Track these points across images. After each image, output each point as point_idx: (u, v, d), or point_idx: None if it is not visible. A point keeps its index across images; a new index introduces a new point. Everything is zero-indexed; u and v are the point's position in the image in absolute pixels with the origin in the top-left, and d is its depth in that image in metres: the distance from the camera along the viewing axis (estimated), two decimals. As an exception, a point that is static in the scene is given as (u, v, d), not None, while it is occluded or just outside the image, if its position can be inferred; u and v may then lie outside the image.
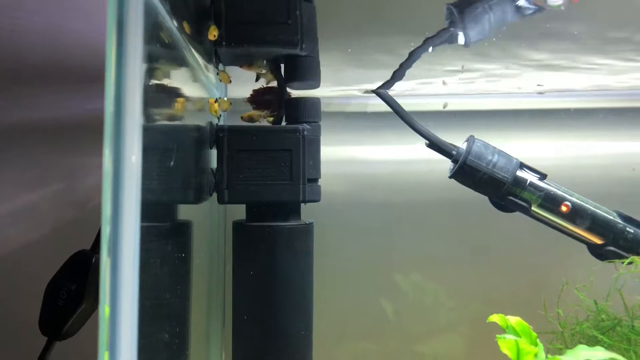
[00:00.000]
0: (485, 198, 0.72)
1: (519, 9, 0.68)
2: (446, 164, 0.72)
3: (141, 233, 0.55)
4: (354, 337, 0.90)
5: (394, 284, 0.91)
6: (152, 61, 0.61)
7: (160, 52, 0.61)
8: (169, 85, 0.65)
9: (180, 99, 0.65)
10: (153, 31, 0.44)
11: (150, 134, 0.60)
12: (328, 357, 0.88)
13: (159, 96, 0.64)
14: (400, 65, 0.69)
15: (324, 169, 0.68)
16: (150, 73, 0.63)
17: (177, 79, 0.65)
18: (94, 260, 0.66)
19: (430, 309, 0.92)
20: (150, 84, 0.62)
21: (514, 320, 0.50)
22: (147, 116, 0.62)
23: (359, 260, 0.90)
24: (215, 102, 0.68)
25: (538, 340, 0.51)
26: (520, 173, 0.68)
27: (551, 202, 0.68)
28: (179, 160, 0.59)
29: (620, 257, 0.66)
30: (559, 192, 0.68)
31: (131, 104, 0.32)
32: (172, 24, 0.50)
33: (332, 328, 0.88)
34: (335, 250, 0.89)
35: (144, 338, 0.57)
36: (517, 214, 0.72)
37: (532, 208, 0.68)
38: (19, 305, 0.84)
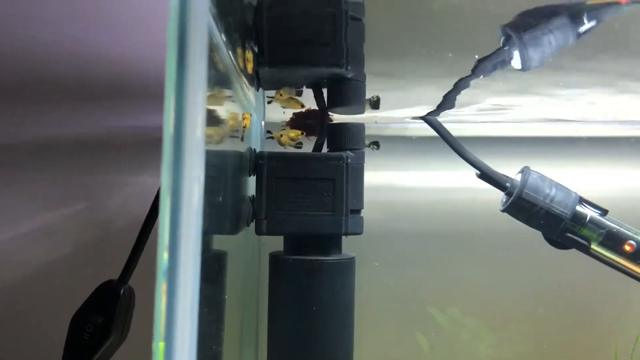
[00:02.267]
0: (532, 230, 0.68)
1: (578, 30, 0.63)
2: (490, 193, 0.68)
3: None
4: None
5: (431, 319, 0.87)
6: (210, 80, 0.58)
7: (214, 74, 0.58)
8: (217, 110, 0.62)
9: (224, 122, 0.62)
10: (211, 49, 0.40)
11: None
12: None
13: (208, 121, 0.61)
14: (450, 91, 0.65)
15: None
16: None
17: (226, 103, 0.62)
18: (122, 291, 0.62)
19: (469, 345, 0.87)
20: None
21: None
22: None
23: (396, 291, 0.86)
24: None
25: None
26: (579, 208, 0.63)
27: (613, 240, 0.63)
28: (220, 188, 0.55)
29: (692, 303, 0.60)
30: (622, 230, 0.63)
31: (192, 128, 0.28)
32: (222, 43, 0.46)
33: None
34: (371, 282, 0.84)
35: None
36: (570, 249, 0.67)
37: (592, 246, 0.63)
38: (39, 329, 0.81)
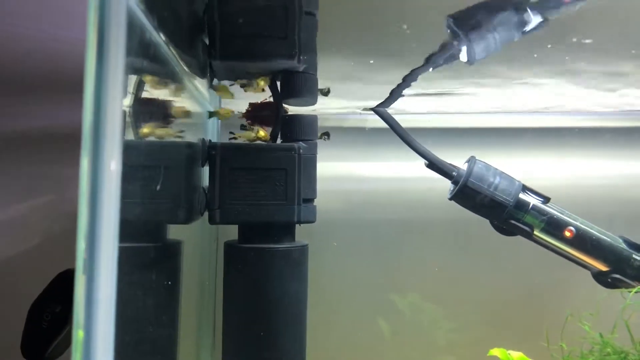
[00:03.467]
0: (486, 220, 0.70)
1: (523, 23, 0.66)
2: (446, 183, 0.70)
3: (126, 253, 0.53)
4: (351, 358, 0.87)
5: (391, 304, 0.89)
6: (137, 75, 0.59)
7: (147, 66, 0.59)
8: (157, 100, 0.63)
9: (170, 114, 0.63)
10: (137, 44, 0.42)
11: (136, 149, 0.58)
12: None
13: (147, 111, 0.62)
14: (399, 85, 0.67)
15: (319, 186, 0.66)
16: (137, 87, 0.61)
17: (166, 94, 0.63)
18: (79, 280, 0.63)
19: (428, 330, 0.89)
20: (137, 98, 0.60)
21: (516, 355, 0.48)
22: (135, 131, 0.60)
23: (355, 280, 0.88)
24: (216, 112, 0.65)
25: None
26: (522, 196, 0.66)
27: (555, 226, 0.66)
28: (168, 177, 0.57)
29: (627, 285, 0.64)
30: (563, 217, 0.66)
31: (111, 115, 0.30)
32: (159, 38, 0.48)
33: (327, 350, 0.85)
34: (330, 270, 0.86)
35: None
36: (519, 236, 0.70)
37: (535, 232, 0.66)
38: (3, 320, 0.82)
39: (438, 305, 0.90)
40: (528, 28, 0.65)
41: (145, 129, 0.62)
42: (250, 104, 0.69)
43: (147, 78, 0.62)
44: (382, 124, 0.76)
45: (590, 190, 0.86)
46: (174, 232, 0.63)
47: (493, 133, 0.87)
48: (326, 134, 0.66)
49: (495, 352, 0.49)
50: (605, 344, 0.56)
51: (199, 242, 0.74)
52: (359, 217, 0.89)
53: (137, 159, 0.58)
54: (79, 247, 0.29)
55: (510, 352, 0.48)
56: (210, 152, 0.62)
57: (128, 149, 0.57)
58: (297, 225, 0.66)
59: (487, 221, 0.71)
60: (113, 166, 0.30)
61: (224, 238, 0.66)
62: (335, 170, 0.90)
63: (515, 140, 0.86)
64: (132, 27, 0.36)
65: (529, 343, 0.59)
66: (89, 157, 0.29)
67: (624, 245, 0.66)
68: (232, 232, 0.66)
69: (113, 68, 0.29)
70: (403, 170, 0.90)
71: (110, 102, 0.29)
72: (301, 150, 0.63)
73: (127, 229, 0.58)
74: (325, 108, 0.82)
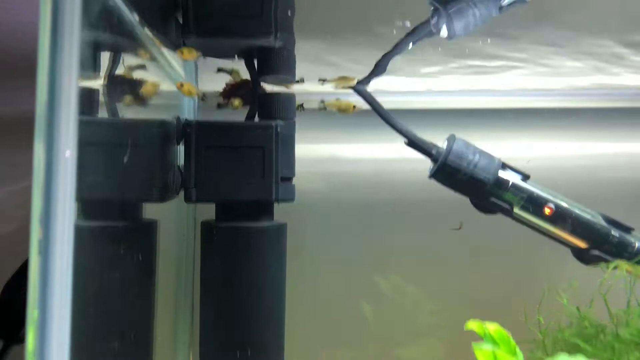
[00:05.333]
0: (467, 200, 0.70)
1: (501, 3, 0.65)
2: (428, 164, 0.69)
3: (94, 232, 0.52)
4: (331, 341, 0.87)
5: (373, 286, 0.88)
6: (112, 52, 0.58)
7: (120, 44, 0.58)
8: (132, 79, 0.62)
9: (145, 93, 0.62)
10: (101, 19, 0.41)
11: (107, 127, 0.57)
12: (306, 360, 0.85)
13: (121, 89, 0.61)
14: (379, 61, 0.66)
15: (301, 167, 0.65)
16: (112, 65, 0.60)
17: (141, 72, 0.62)
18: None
19: (410, 312, 0.89)
20: (111, 76, 0.59)
21: (492, 327, 0.48)
22: (109, 109, 0.59)
23: (337, 262, 0.87)
24: (181, 86, 0.63)
25: (518, 349, 0.48)
26: (502, 174, 0.66)
27: (534, 204, 0.65)
28: (140, 155, 0.56)
29: (605, 261, 0.64)
30: (543, 194, 0.66)
31: (66, 94, 0.29)
32: (132, 17, 0.47)
33: (308, 332, 0.85)
34: (313, 252, 0.86)
35: (88, 339, 0.53)
36: (500, 215, 0.69)
37: (515, 210, 0.66)
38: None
39: (420, 286, 0.89)
40: (505, 3, 0.64)
41: (118, 107, 0.61)
42: (227, 84, 0.68)
43: (122, 57, 0.61)
44: (363, 105, 0.76)
45: (570, 171, 0.86)
46: (150, 211, 0.62)
47: (471, 114, 0.87)
48: (300, 106, 0.65)
49: (471, 325, 0.49)
50: (582, 318, 0.56)
51: (176, 222, 0.73)
52: (341, 198, 0.88)
53: (107, 137, 0.57)
54: (33, 229, 0.29)
55: (487, 323, 0.48)
56: (185, 130, 0.61)
57: (98, 126, 0.56)
58: (276, 206, 0.65)
59: (469, 202, 0.70)
60: (68, 152, 0.29)
61: (202, 218, 0.65)
62: (317, 152, 0.89)
63: (494, 122, 0.86)
64: (99, 3, 0.35)
65: (510, 319, 0.59)
66: (43, 139, 0.29)
67: (603, 222, 0.66)
68: (209, 212, 0.66)
69: (68, 47, 0.28)
70: (385, 151, 0.90)
71: (65, 82, 0.28)
72: (279, 129, 0.62)
73: (96, 208, 0.57)
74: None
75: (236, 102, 0.65)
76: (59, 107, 0.29)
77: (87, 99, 0.59)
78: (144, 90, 0.62)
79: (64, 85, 0.29)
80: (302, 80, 0.64)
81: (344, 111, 0.70)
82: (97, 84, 0.60)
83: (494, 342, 0.48)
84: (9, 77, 0.84)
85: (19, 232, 0.85)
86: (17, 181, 0.86)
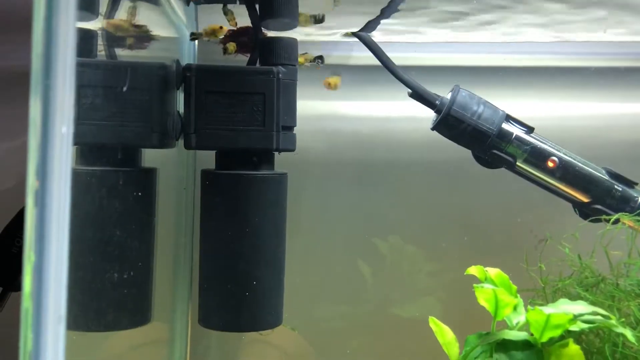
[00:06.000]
0: (469, 159, 0.69)
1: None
2: (430, 123, 0.68)
3: (91, 178, 0.52)
4: (329, 299, 0.87)
5: (372, 246, 0.88)
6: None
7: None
8: (130, 21, 0.61)
9: (144, 36, 0.61)
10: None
11: (103, 70, 0.56)
12: (303, 318, 0.85)
13: (119, 32, 0.59)
14: (384, 8, 0.65)
15: (301, 125, 0.64)
16: (111, 7, 0.58)
17: (141, 14, 0.61)
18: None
19: (408, 272, 0.89)
20: (110, 19, 0.57)
21: (493, 272, 0.47)
22: (106, 51, 0.58)
23: (336, 221, 0.87)
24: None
25: (518, 294, 0.48)
26: (506, 126, 0.65)
27: (537, 157, 0.65)
28: (138, 99, 0.55)
29: (607, 215, 0.63)
30: (546, 147, 0.65)
31: (63, 43, 0.28)
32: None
33: (307, 289, 0.85)
34: (312, 210, 0.85)
35: (89, 286, 0.53)
36: (501, 173, 0.69)
37: (517, 163, 0.65)
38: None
39: (419, 247, 0.89)
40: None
41: (116, 49, 0.60)
42: (228, 30, 0.67)
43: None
44: (366, 60, 0.74)
45: (574, 130, 0.85)
46: (150, 159, 0.62)
47: (476, 71, 0.85)
48: (320, 58, 0.63)
49: (472, 270, 0.49)
50: (583, 268, 0.55)
51: (175, 170, 0.73)
52: (342, 156, 0.87)
53: (106, 80, 0.56)
54: (30, 182, 0.28)
55: (488, 268, 0.47)
56: (185, 74, 0.60)
57: (96, 68, 0.55)
58: (279, 157, 0.64)
59: (471, 161, 0.69)
60: (64, 129, 0.28)
61: (202, 167, 0.65)
62: (318, 108, 0.88)
63: (497, 79, 0.85)
64: None
65: (510, 277, 0.58)
66: (39, 92, 0.28)
67: (606, 176, 0.65)
68: (210, 160, 0.65)
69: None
70: (388, 109, 0.88)
71: (62, 31, 0.27)
72: (280, 75, 0.61)
73: (93, 153, 0.56)
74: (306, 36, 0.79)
75: (231, 46, 0.64)
76: (55, 58, 0.28)
77: (86, 41, 0.58)
78: (145, 33, 0.61)
79: (60, 34, 0.28)
80: (321, 18, 0.63)
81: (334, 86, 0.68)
82: (96, 26, 0.59)
83: (494, 285, 0.48)
84: (4, 31, 0.82)
85: (18, 188, 0.84)
86: (14, 137, 0.86)
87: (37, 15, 0.28)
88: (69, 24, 0.29)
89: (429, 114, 0.70)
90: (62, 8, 0.28)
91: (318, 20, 0.67)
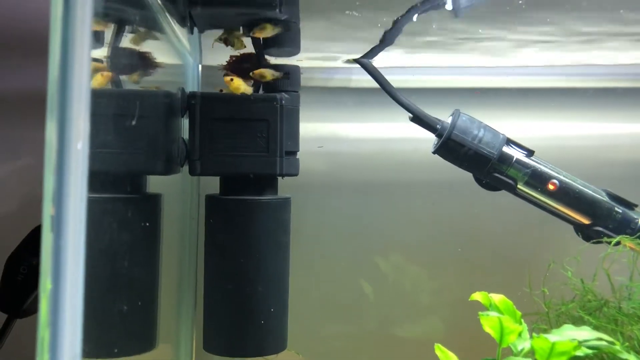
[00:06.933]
0: (470, 179, 0.70)
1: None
2: (430, 144, 0.69)
3: (100, 205, 0.52)
4: (331, 319, 0.87)
5: (374, 266, 0.88)
6: (116, 23, 0.58)
7: (128, 13, 0.58)
8: (136, 49, 0.62)
9: (150, 64, 0.62)
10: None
11: (111, 99, 0.57)
12: (306, 338, 0.85)
13: (125, 61, 0.60)
14: (384, 35, 0.66)
15: (304, 147, 0.65)
16: (116, 36, 0.59)
17: (146, 43, 0.62)
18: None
19: (411, 291, 0.89)
20: (115, 47, 0.58)
21: (497, 298, 0.48)
22: (113, 80, 0.58)
23: (338, 241, 0.87)
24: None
25: (522, 320, 0.49)
26: (506, 149, 0.65)
27: (538, 179, 0.65)
28: (144, 127, 0.55)
29: (608, 237, 0.64)
30: (547, 170, 0.66)
31: (78, 68, 0.29)
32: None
33: (310, 309, 0.85)
34: (315, 231, 0.86)
35: (97, 313, 0.53)
36: (502, 194, 0.69)
37: (518, 186, 0.66)
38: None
39: (422, 267, 0.89)
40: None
41: (123, 78, 0.61)
42: (231, 56, 0.68)
43: (127, 27, 0.60)
44: (367, 83, 0.75)
45: (573, 151, 0.86)
46: (155, 184, 0.62)
47: (473, 93, 0.86)
48: (287, 74, 0.63)
49: (476, 296, 0.49)
50: (586, 291, 0.56)
51: (180, 196, 0.73)
52: (343, 178, 0.88)
53: (112, 108, 0.57)
54: (46, 208, 0.28)
55: (492, 295, 0.48)
56: (190, 102, 0.60)
57: (103, 98, 0.56)
58: (280, 180, 0.65)
59: (472, 182, 0.70)
60: (80, 126, 0.29)
61: (206, 192, 0.65)
62: (320, 131, 0.89)
63: (496, 101, 0.86)
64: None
65: (512, 299, 0.59)
66: (55, 117, 0.28)
67: (606, 198, 0.66)
68: (214, 186, 0.65)
69: (80, 15, 0.28)
70: (388, 131, 0.89)
71: (77, 57, 0.28)
72: (283, 101, 0.62)
73: (99, 180, 0.57)
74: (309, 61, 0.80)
75: (242, 86, 0.64)
76: (71, 83, 0.29)
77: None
78: (151, 62, 0.62)
79: (76, 60, 0.29)
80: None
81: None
82: (102, 54, 0.60)
83: (499, 312, 0.48)
84: (9, 54, 0.83)
85: (21, 211, 0.85)
86: (18, 158, 0.86)
87: (54, 39, 0.29)
88: (84, 51, 0.29)
89: (429, 135, 0.71)
90: (77, 36, 0.29)
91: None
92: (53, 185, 0.29)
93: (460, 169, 0.69)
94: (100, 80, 0.55)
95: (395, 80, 0.72)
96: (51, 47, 0.29)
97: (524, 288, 0.59)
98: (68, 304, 0.29)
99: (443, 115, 0.69)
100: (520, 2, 0.65)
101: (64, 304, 0.29)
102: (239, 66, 0.67)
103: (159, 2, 0.56)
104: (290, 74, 0.63)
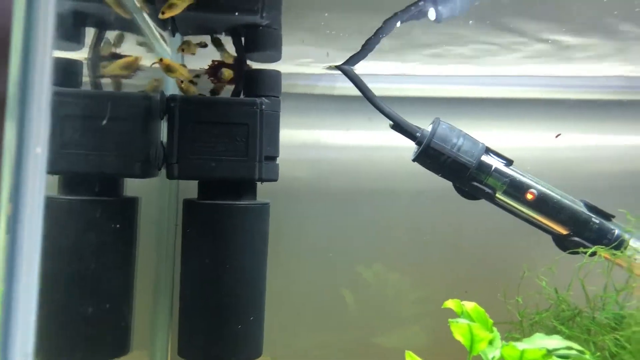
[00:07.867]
0: (452, 188, 0.70)
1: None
2: (412, 152, 0.69)
3: (69, 207, 0.52)
4: (311, 327, 0.87)
5: (356, 274, 0.88)
6: (88, 24, 0.57)
7: (99, 14, 0.57)
8: (116, 53, 0.62)
9: (129, 67, 0.62)
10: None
11: (88, 100, 0.56)
12: (286, 347, 0.84)
13: (105, 64, 0.60)
14: (366, 42, 0.66)
15: (286, 154, 0.65)
16: (96, 39, 0.59)
17: (126, 46, 0.62)
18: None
19: (393, 300, 0.89)
20: (95, 50, 0.58)
21: (469, 306, 0.48)
22: (92, 82, 0.58)
23: (320, 249, 0.87)
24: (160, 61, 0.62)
25: (495, 328, 0.49)
26: (485, 158, 0.66)
27: (517, 189, 0.66)
28: (122, 129, 0.55)
29: (585, 247, 0.64)
30: (525, 180, 0.66)
31: (40, 70, 0.29)
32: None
33: (290, 318, 0.84)
34: (296, 239, 0.85)
35: (62, 317, 0.53)
36: (483, 203, 0.70)
37: (497, 195, 0.66)
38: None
39: (403, 275, 0.89)
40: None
41: (102, 81, 0.61)
42: (213, 61, 0.68)
43: (107, 29, 0.60)
44: (350, 90, 0.76)
45: (553, 162, 0.87)
46: (132, 188, 0.62)
47: (459, 103, 0.87)
48: (197, 77, 0.63)
49: (449, 303, 0.49)
50: (560, 301, 0.56)
51: (158, 200, 0.73)
52: (326, 185, 0.88)
53: (89, 110, 0.56)
54: (2, 205, 0.28)
55: (464, 302, 0.48)
56: (169, 105, 0.60)
57: (80, 98, 0.56)
58: (259, 186, 0.65)
59: (453, 191, 0.70)
60: (41, 130, 0.29)
61: (186, 197, 0.65)
62: (303, 138, 0.89)
63: (480, 111, 0.86)
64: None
65: (493, 307, 0.59)
66: (14, 118, 0.28)
67: (584, 209, 0.66)
68: (193, 191, 0.65)
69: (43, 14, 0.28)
70: (371, 139, 0.89)
71: (39, 58, 0.28)
72: (263, 106, 0.62)
73: (76, 182, 0.56)
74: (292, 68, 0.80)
75: (226, 72, 0.64)
76: (31, 84, 0.29)
77: (70, 71, 0.59)
78: (130, 64, 0.61)
79: (38, 62, 0.29)
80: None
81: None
82: (81, 56, 0.60)
83: (471, 319, 0.48)
84: None
85: None
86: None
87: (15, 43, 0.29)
88: (46, 52, 0.29)
89: (412, 143, 0.71)
90: (40, 36, 0.29)
91: (202, 45, 0.67)
92: (10, 183, 0.28)
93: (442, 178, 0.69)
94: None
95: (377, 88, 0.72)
96: (12, 47, 0.29)
97: (499, 297, 0.59)
98: (21, 305, 0.28)
99: (424, 123, 0.69)
100: (500, 12, 0.66)
101: (16, 305, 0.28)
102: (220, 70, 0.67)
103: (138, 4, 0.56)
104: (273, 80, 0.63)
